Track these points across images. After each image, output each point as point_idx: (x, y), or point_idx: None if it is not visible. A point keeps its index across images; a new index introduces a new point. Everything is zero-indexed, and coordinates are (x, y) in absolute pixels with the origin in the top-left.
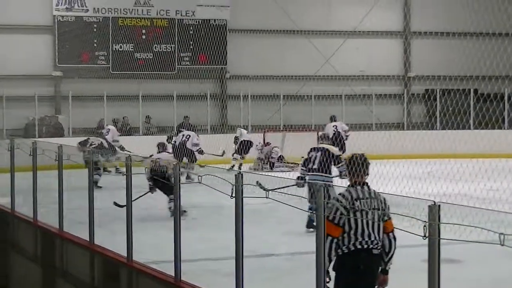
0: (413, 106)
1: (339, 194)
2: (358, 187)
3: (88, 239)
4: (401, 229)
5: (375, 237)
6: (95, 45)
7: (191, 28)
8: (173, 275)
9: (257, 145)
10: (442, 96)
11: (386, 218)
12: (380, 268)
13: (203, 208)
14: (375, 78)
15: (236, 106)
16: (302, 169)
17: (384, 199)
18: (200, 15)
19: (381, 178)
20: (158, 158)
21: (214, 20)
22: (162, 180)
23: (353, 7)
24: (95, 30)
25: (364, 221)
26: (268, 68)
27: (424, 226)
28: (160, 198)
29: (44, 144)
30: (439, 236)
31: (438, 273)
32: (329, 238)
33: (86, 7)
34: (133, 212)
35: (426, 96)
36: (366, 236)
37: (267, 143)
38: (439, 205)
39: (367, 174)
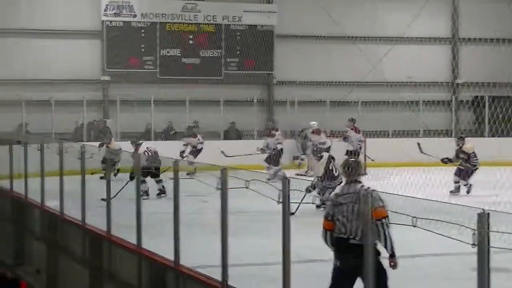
0: (461, 113)
1: (334, 193)
2: (346, 185)
3: (135, 243)
4: (450, 237)
5: (351, 227)
6: (142, 50)
7: (238, 33)
8: (220, 279)
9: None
10: (491, 103)
11: (371, 207)
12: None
13: (249, 213)
14: (423, 84)
15: (282, 111)
16: None
17: (365, 194)
18: (247, 20)
19: (430, 185)
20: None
21: (261, 25)
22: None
23: (401, 13)
24: (143, 35)
25: (344, 213)
26: (315, 74)
27: (473, 234)
28: (208, 203)
29: (92, 148)
30: (488, 244)
31: (487, 282)
32: (323, 231)
33: (134, 12)
34: (180, 216)
35: (475, 103)
36: (342, 227)
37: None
38: (488, 213)
39: (359, 175)
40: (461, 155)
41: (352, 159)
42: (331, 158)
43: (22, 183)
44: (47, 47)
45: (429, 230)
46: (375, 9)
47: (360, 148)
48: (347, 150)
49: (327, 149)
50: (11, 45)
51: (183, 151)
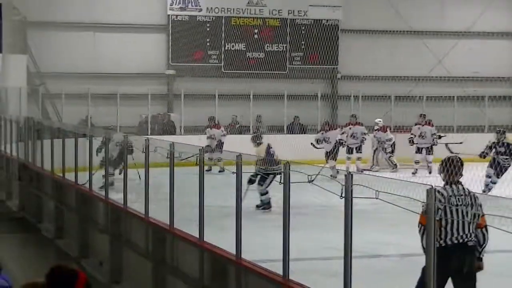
0: None
1: (437, 191)
2: (453, 186)
3: (197, 236)
4: None
5: (469, 230)
6: (207, 44)
7: (303, 28)
8: (281, 273)
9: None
10: None
11: (480, 214)
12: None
13: (312, 207)
14: (489, 79)
15: (346, 106)
16: None
17: (476, 197)
18: (312, 15)
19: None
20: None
21: (326, 20)
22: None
23: (467, 8)
24: (208, 29)
25: (460, 215)
26: (380, 69)
27: None
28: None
29: (156, 141)
30: None
31: None
32: (423, 227)
33: (199, 6)
34: (242, 210)
35: None
36: (461, 231)
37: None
38: None
39: (461, 175)
40: (502, 149)
41: (455, 155)
42: (270, 145)
43: (87, 175)
44: (113, 41)
45: (494, 227)
46: (441, 4)
47: (433, 140)
48: (422, 148)
49: (393, 145)
50: (78, 39)
51: (209, 146)
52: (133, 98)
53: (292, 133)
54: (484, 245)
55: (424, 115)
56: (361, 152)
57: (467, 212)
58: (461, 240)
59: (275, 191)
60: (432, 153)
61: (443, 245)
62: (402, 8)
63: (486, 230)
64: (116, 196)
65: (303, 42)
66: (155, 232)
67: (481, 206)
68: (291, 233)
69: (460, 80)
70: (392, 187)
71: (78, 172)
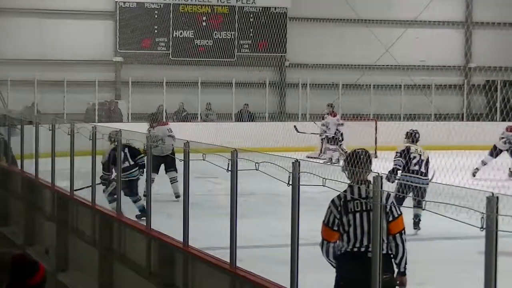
0: (473, 97)
1: (336, 196)
2: (356, 187)
3: (145, 224)
4: (459, 220)
5: (368, 239)
6: (155, 31)
7: (252, 15)
8: (229, 261)
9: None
10: (503, 87)
11: (390, 219)
12: (396, 270)
13: (260, 195)
14: (435, 68)
15: (294, 94)
16: None
17: (387, 198)
18: (260, 2)
19: (439, 169)
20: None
21: (275, 8)
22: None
23: None
24: (156, 16)
25: (358, 223)
26: (328, 57)
27: (482, 217)
28: (217, 186)
29: (103, 128)
30: (496, 228)
31: (495, 266)
32: (325, 242)
33: None
34: (190, 197)
35: (487, 87)
36: (358, 240)
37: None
38: (497, 197)
39: (370, 171)
40: (416, 167)
41: (361, 150)
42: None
43: (33, 163)
44: (60, 27)
45: (438, 213)
46: None
47: (335, 133)
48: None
49: (342, 134)
50: (24, 25)
51: None
52: (81, 85)
53: (241, 121)
54: (401, 255)
55: (331, 104)
56: (335, 144)
57: (368, 218)
58: (355, 250)
59: (223, 179)
60: (335, 143)
61: (342, 252)
62: None
63: (401, 239)
64: (62, 183)
65: (251, 30)
66: (102, 219)
67: (393, 209)
68: (240, 220)
69: (407, 68)
70: (339, 175)
71: (24, 160)
